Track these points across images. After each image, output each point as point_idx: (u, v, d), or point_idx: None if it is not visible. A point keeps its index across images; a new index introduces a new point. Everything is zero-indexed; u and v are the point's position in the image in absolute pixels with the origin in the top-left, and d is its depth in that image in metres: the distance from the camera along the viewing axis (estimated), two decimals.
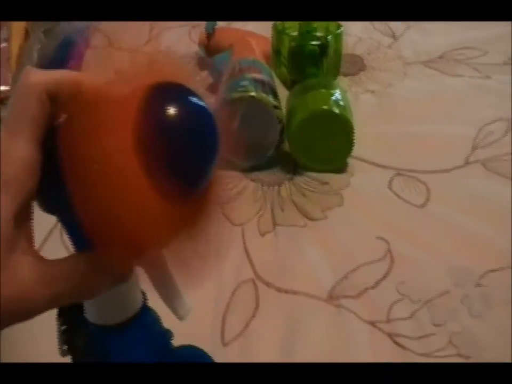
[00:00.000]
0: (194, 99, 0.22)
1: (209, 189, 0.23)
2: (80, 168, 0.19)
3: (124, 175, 0.20)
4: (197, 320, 0.45)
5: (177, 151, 0.20)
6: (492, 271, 0.47)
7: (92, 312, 0.27)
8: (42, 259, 0.20)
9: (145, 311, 0.28)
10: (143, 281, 0.27)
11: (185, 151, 0.21)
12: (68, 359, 0.28)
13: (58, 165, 0.20)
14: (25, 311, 0.19)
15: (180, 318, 0.28)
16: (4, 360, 0.42)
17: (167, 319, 0.45)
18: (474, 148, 0.62)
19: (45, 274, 0.20)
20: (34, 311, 0.20)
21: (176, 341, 0.44)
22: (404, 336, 0.43)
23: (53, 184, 0.21)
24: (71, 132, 0.20)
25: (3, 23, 0.79)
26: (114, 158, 0.19)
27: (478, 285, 0.46)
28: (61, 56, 0.74)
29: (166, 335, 0.31)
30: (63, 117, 0.21)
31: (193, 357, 0.32)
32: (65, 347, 0.28)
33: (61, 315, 0.28)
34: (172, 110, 0.21)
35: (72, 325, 0.27)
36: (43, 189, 0.21)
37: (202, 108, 0.22)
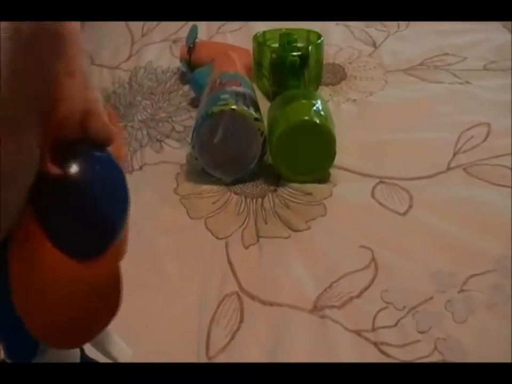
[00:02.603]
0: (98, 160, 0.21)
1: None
2: None
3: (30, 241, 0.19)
4: (182, 334, 0.45)
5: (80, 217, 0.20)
6: (475, 275, 0.47)
7: None
8: None
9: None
10: None
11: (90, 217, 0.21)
12: None
13: None
14: None
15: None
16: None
17: (151, 331, 0.45)
18: (455, 153, 0.62)
19: None
20: None
21: (163, 353, 0.43)
22: (389, 345, 0.43)
23: None
24: None
25: None
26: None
27: (462, 290, 0.46)
28: None
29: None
30: None
31: None
32: None
33: None
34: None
35: None
36: None
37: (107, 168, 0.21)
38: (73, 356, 0.27)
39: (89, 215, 0.21)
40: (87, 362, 0.28)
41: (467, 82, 0.74)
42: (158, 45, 0.86)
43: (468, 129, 0.65)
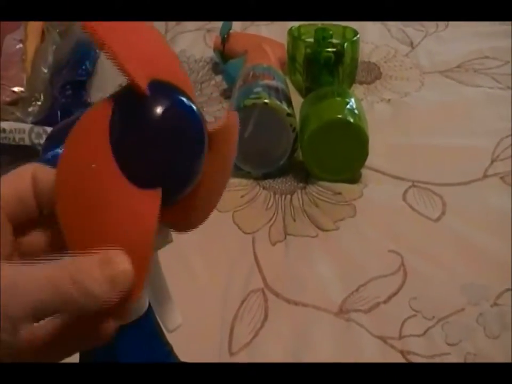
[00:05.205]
0: (177, 100, 0.20)
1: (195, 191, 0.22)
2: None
3: (101, 179, 0.19)
4: (205, 328, 0.45)
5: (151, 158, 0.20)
6: (509, 290, 0.46)
7: None
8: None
9: (150, 316, 0.28)
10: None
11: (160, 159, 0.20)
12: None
13: None
14: None
15: (168, 330, 0.27)
16: None
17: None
18: (493, 161, 0.60)
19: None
20: None
21: (184, 346, 0.43)
22: (416, 354, 0.42)
23: None
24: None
25: (18, 23, 0.79)
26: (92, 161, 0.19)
27: (495, 304, 0.45)
28: (76, 58, 0.74)
29: (167, 345, 0.30)
30: None
31: None
32: None
33: None
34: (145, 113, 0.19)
35: None
36: None
37: (186, 109, 0.21)
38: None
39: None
40: (88, 363, 0.27)
41: (508, 87, 0.72)
42: (191, 33, 0.86)
43: (506, 137, 0.63)
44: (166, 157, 0.20)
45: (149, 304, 0.28)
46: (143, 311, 0.27)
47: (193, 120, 0.21)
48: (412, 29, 0.86)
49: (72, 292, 0.18)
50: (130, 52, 0.20)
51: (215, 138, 0.22)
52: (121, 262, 0.18)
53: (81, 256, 0.18)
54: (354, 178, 0.59)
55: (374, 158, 0.59)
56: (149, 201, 0.19)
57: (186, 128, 0.21)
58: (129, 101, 0.20)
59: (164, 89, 0.20)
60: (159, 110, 0.20)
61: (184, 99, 0.21)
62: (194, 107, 0.21)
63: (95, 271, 0.18)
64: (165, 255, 0.50)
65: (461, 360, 0.41)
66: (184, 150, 0.20)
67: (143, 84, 0.19)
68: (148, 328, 0.28)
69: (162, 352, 0.29)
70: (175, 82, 0.21)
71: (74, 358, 0.29)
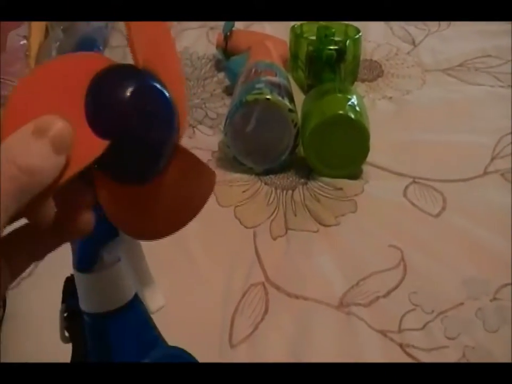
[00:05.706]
0: (143, 80, 0.21)
1: (170, 168, 0.23)
2: None
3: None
4: (205, 321, 0.45)
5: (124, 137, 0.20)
6: (508, 285, 0.46)
7: (85, 301, 0.27)
8: None
9: (137, 301, 0.28)
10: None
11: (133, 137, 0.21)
12: (68, 346, 0.28)
13: None
14: None
15: (151, 311, 0.27)
16: (4, 353, 0.42)
17: (175, 315, 0.45)
18: (493, 158, 0.60)
19: None
20: None
21: (185, 339, 0.43)
22: (416, 347, 0.42)
23: None
24: None
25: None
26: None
27: (494, 299, 0.45)
28: None
29: (155, 329, 0.31)
30: None
31: (177, 358, 0.32)
32: (66, 334, 0.28)
33: (64, 301, 0.28)
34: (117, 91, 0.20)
35: (73, 312, 0.27)
36: None
37: (153, 88, 0.21)
38: (126, 287, 0.28)
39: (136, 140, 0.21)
40: (85, 362, 0.28)
41: (509, 86, 0.72)
42: (195, 31, 0.86)
43: (507, 134, 0.63)
44: (128, 119, 0.21)
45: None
46: (131, 296, 0.28)
47: (166, 108, 0.22)
48: (414, 27, 0.87)
49: (20, 177, 0.17)
50: (144, 40, 0.22)
51: (188, 158, 0.23)
52: (54, 123, 0.18)
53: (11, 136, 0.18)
54: (355, 174, 0.59)
55: (375, 154, 0.59)
56: (93, 142, 0.20)
57: (157, 108, 0.22)
58: (118, 69, 0.21)
59: (150, 75, 0.22)
60: (140, 81, 0.21)
61: (164, 90, 0.22)
62: (172, 105, 0.22)
63: (31, 144, 0.18)
64: (167, 249, 0.51)
65: (459, 353, 0.41)
66: (148, 124, 0.21)
67: (140, 61, 0.21)
68: (137, 313, 0.29)
69: (151, 335, 0.30)
70: (162, 75, 0.22)
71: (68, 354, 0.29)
